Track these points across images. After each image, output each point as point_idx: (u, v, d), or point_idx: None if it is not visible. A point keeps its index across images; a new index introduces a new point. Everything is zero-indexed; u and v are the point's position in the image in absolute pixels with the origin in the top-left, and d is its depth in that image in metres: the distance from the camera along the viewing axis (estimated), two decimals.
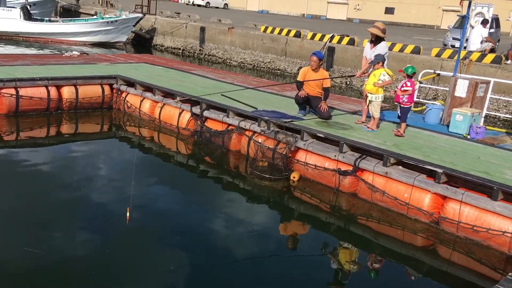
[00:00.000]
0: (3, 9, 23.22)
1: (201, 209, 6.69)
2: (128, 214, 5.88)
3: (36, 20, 24.24)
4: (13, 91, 9.48)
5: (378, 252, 5.95)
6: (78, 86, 10.33)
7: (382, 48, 8.15)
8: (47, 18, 25.42)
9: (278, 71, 20.91)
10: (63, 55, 14.00)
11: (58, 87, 10.13)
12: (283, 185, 7.50)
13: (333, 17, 56.60)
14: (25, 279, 4.60)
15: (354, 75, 8.95)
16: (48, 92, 9.89)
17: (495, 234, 5.72)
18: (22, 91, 9.58)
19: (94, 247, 5.34)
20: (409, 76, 7.62)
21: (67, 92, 10.19)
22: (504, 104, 14.48)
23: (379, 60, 7.71)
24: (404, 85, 7.63)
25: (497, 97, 12.27)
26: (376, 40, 8.27)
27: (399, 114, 7.85)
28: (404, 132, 7.86)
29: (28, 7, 24.21)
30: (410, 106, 7.87)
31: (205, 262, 5.20)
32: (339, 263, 5.59)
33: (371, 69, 8.02)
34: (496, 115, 13.56)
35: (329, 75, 9.04)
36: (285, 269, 5.22)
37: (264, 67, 21.60)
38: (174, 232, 5.85)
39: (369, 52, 8.34)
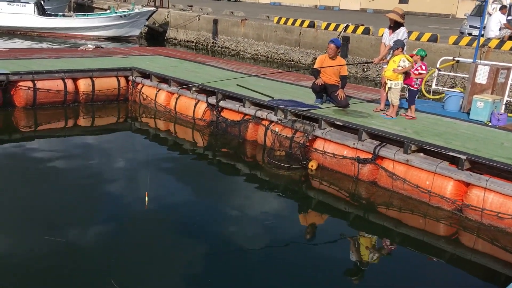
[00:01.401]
0: (18, 5, 23.39)
1: (218, 199, 6.65)
2: (146, 199, 5.87)
3: (50, 15, 24.39)
4: (30, 84, 9.53)
5: (399, 241, 5.86)
6: (94, 79, 10.35)
7: (401, 33, 7.99)
8: (61, 13, 25.57)
9: (292, 62, 20.76)
10: (78, 49, 14.06)
11: (75, 80, 10.16)
12: (301, 174, 7.43)
13: (346, 8, 56.02)
14: (45, 267, 4.61)
15: (372, 62, 8.81)
16: (65, 84, 9.93)
17: None
18: (39, 84, 9.63)
19: (112, 234, 5.36)
20: (422, 59, 7.56)
21: (84, 84, 10.22)
22: None
23: (398, 45, 7.56)
24: (419, 68, 7.52)
25: None
26: (395, 25, 8.11)
27: (407, 98, 7.86)
28: (414, 115, 7.83)
29: (42, 2, 24.35)
30: (419, 89, 7.87)
31: (223, 251, 5.17)
32: (359, 252, 5.51)
33: (390, 55, 7.89)
34: None
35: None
36: (303, 258, 5.15)
37: (278, 59, 21.45)
38: (192, 221, 5.82)
39: (388, 38, 8.19)
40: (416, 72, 7.55)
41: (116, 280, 4.36)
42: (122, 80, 10.86)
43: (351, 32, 19.25)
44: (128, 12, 24.59)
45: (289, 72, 13.59)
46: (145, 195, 6.10)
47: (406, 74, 7.60)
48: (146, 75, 10.80)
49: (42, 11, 23.87)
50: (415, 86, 7.62)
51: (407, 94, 7.83)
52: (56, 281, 4.42)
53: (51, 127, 9.19)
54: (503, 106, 8.92)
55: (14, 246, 4.95)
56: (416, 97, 7.93)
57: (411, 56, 7.65)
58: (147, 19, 25.38)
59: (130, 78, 10.94)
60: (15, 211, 5.68)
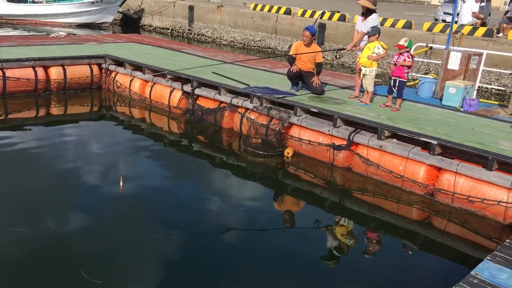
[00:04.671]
0: None
1: (194, 186, 6.63)
2: (121, 184, 5.81)
3: (19, 1, 23.68)
4: None
5: (374, 226, 5.95)
6: (66, 67, 10.12)
7: (373, 20, 8.01)
8: (30, 0, 24.84)
9: (269, 50, 20.69)
10: (50, 36, 13.71)
11: (46, 68, 9.92)
12: (277, 162, 7.45)
13: None
14: (12, 259, 4.50)
15: (344, 48, 8.82)
16: (36, 73, 9.69)
17: (490, 203, 5.73)
18: (8, 72, 9.38)
19: (86, 221, 5.31)
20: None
21: (55, 72, 9.99)
22: (496, 77, 14.47)
23: (375, 32, 7.57)
24: (408, 57, 7.38)
25: (489, 69, 12.22)
26: (367, 12, 8.13)
27: (397, 89, 7.54)
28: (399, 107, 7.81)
29: None
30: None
31: (198, 237, 5.17)
32: (334, 237, 5.58)
33: (363, 42, 7.91)
34: (488, 88, 13.55)
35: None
36: (279, 245, 5.19)
37: (254, 46, 21.35)
38: (167, 207, 5.79)
39: (361, 25, 8.21)
40: (407, 62, 7.43)
41: (86, 270, 4.30)
42: (95, 68, 10.65)
43: (327, 19, 19.27)
44: None
45: (265, 59, 13.53)
46: (119, 180, 6.05)
47: (397, 66, 7.46)
48: (119, 62, 10.61)
49: None
50: (405, 77, 7.52)
51: (397, 85, 7.55)
52: (23, 273, 4.31)
53: (22, 117, 8.97)
54: (475, 92, 9.07)
55: None
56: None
57: (400, 47, 7.46)
58: (120, 5, 24.87)
59: (103, 65, 10.74)
60: None
